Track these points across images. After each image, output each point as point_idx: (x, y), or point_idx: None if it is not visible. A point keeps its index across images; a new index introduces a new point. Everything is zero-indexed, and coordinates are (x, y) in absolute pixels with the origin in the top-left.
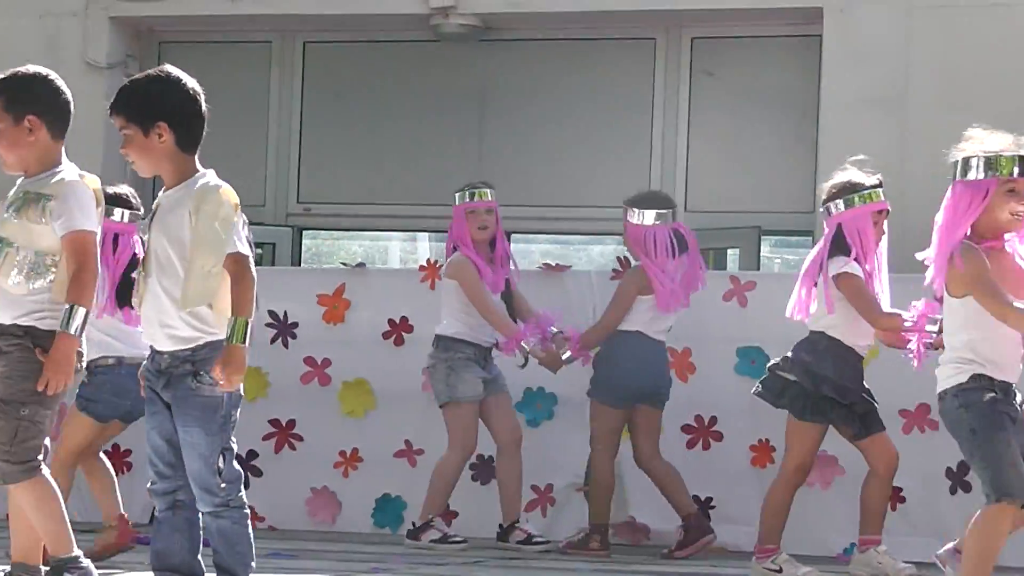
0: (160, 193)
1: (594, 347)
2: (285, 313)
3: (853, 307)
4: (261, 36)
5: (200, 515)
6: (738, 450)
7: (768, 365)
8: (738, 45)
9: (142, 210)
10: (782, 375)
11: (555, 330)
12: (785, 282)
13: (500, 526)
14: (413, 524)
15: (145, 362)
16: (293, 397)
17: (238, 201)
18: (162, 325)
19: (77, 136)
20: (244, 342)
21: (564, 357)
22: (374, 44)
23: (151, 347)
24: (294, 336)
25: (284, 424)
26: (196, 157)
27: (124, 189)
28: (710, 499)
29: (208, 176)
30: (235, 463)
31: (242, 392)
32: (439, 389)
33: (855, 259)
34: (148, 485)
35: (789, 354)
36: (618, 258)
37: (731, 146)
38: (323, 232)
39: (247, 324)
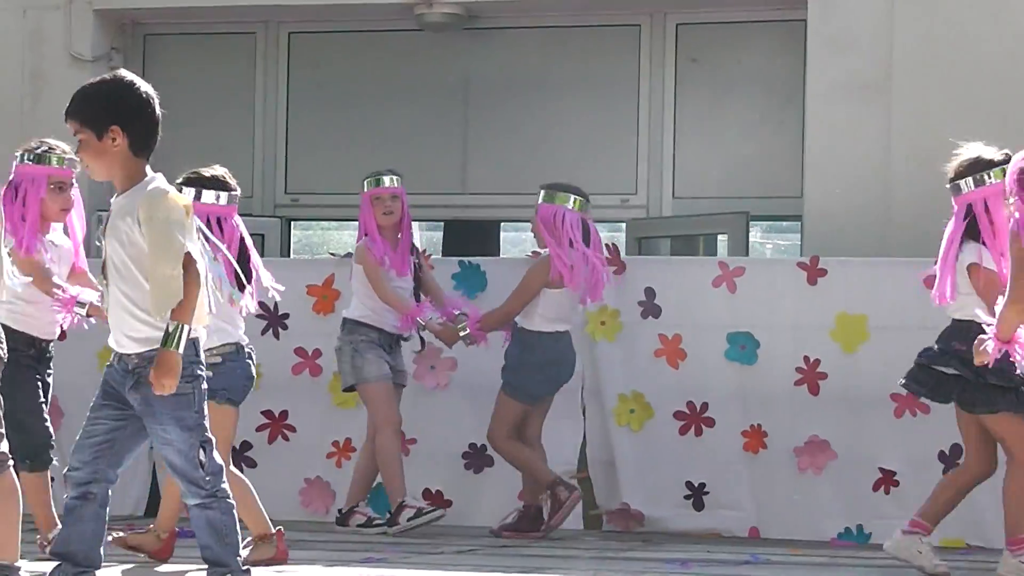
0: (112, 199)
1: (492, 330)
2: (275, 304)
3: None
4: (245, 27)
5: (106, 505)
6: (730, 436)
7: (917, 359)
8: (723, 31)
9: (239, 191)
10: (938, 369)
11: (458, 312)
12: (774, 267)
13: (339, 511)
14: (388, 512)
15: (109, 363)
16: (285, 388)
17: (189, 202)
18: (129, 329)
19: (63, 130)
20: (178, 348)
21: (462, 334)
22: (358, 34)
23: (116, 350)
24: (285, 327)
25: (277, 415)
26: (147, 162)
27: (219, 170)
28: (703, 485)
29: (157, 181)
30: (215, 454)
31: (205, 387)
32: (345, 371)
33: (983, 243)
34: (65, 471)
35: (936, 346)
36: (607, 245)
37: (717, 132)
38: (314, 223)
39: (184, 330)
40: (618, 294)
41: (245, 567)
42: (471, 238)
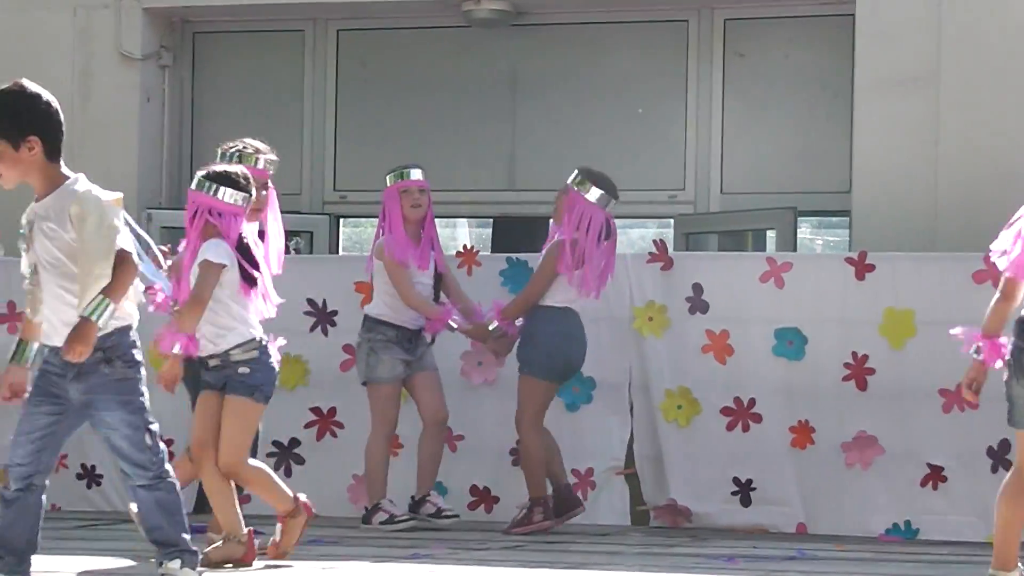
0: (32, 203)
1: (516, 317)
2: (324, 301)
3: None
4: (294, 24)
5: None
6: (778, 431)
7: None
8: (770, 25)
9: (252, 194)
10: None
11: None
12: (822, 263)
13: (412, 498)
14: (365, 508)
15: (45, 359)
16: (333, 385)
17: (120, 196)
18: (66, 324)
19: (113, 128)
20: (98, 320)
21: (491, 328)
22: (406, 31)
23: (51, 346)
24: (333, 324)
25: (325, 412)
26: (61, 163)
27: (239, 169)
28: (750, 480)
29: (81, 181)
30: (158, 439)
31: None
32: (360, 368)
33: None
34: (6, 462)
35: None
36: (654, 241)
37: (765, 127)
38: (363, 220)
39: (108, 307)
40: (666, 290)
41: (194, 549)
42: (520, 234)
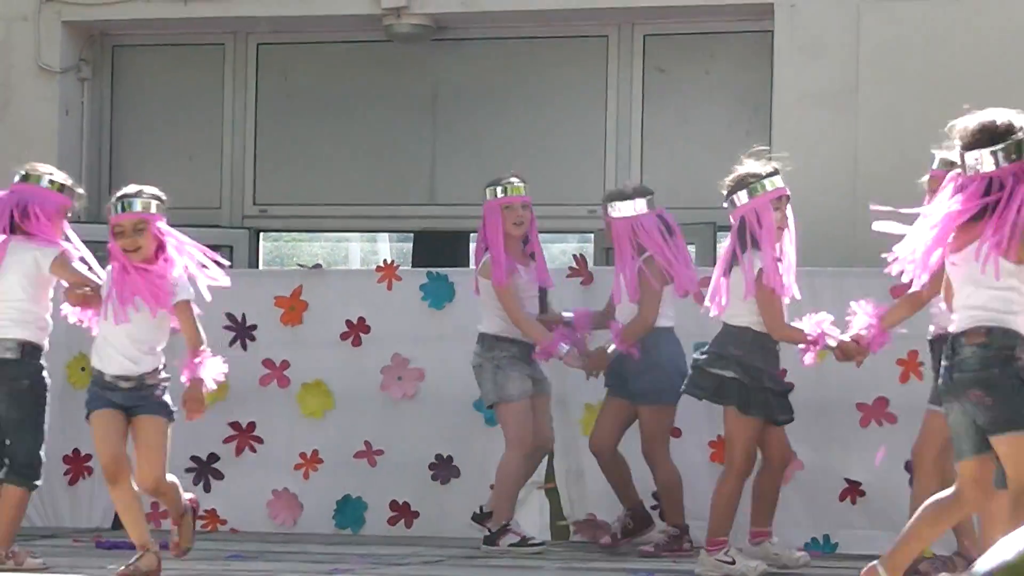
0: None
1: (636, 340)
2: (243, 316)
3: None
4: (214, 38)
5: None
6: (696, 446)
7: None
8: (690, 41)
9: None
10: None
11: (583, 335)
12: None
13: (489, 530)
14: (489, 530)
15: None
16: (252, 399)
17: None
18: None
19: (31, 141)
20: None
21: (609, 350)
22: (327, 45)
23: None
24: (252, 338)
25: (244, 427)
26: None
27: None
28: None
29: None
30: None
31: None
32: (487, 389)
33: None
34: None
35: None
36: (574, 256)
37: (685, 142)
38: (284, 234)
39: None
40: (585, 304)
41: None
42: (440, 249)
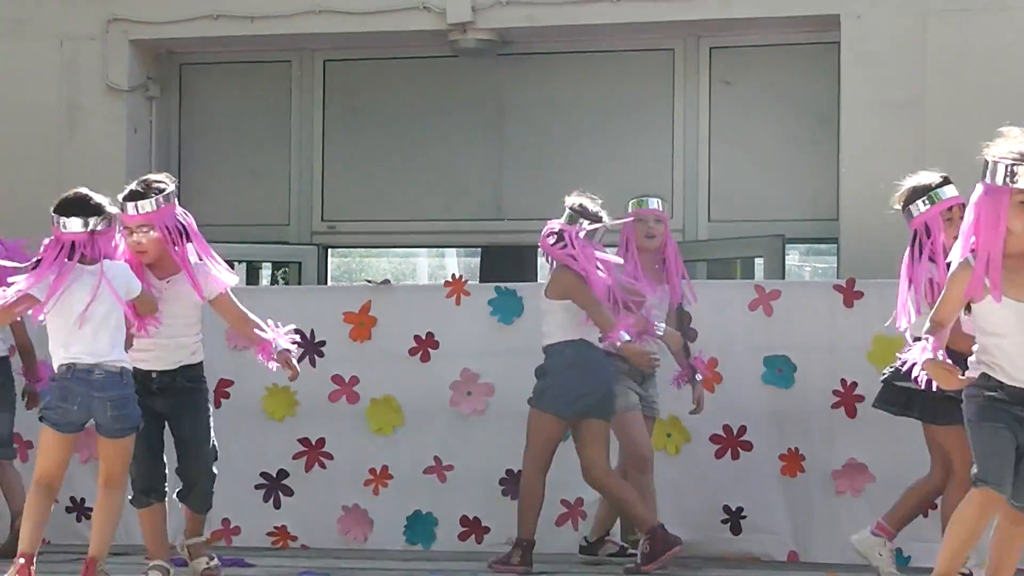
0: None
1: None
2: (312, 332)
3: None
4: (280, 56)
5: None
6: (767, 459)
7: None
8: (756, 53)
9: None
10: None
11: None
12: (810, 290)
13: (586, 539)
14: (585, 539)
15: None
16: (322, 415)
17: None
18: None
19: (100, 159)
20: None
21: (698, 378)
22: (393, 61)
23: None
24: (321, 354)
25: (314, 443)
26: None
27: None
28: (740, 508)
29: None
30: None
31: None
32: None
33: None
34: None
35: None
36: None
37: (752, 155)
38: (352, 250)
39: None
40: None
41: None
42: (507, 263)
